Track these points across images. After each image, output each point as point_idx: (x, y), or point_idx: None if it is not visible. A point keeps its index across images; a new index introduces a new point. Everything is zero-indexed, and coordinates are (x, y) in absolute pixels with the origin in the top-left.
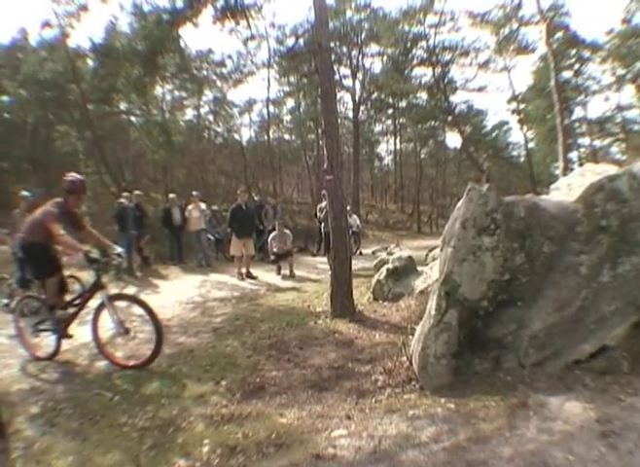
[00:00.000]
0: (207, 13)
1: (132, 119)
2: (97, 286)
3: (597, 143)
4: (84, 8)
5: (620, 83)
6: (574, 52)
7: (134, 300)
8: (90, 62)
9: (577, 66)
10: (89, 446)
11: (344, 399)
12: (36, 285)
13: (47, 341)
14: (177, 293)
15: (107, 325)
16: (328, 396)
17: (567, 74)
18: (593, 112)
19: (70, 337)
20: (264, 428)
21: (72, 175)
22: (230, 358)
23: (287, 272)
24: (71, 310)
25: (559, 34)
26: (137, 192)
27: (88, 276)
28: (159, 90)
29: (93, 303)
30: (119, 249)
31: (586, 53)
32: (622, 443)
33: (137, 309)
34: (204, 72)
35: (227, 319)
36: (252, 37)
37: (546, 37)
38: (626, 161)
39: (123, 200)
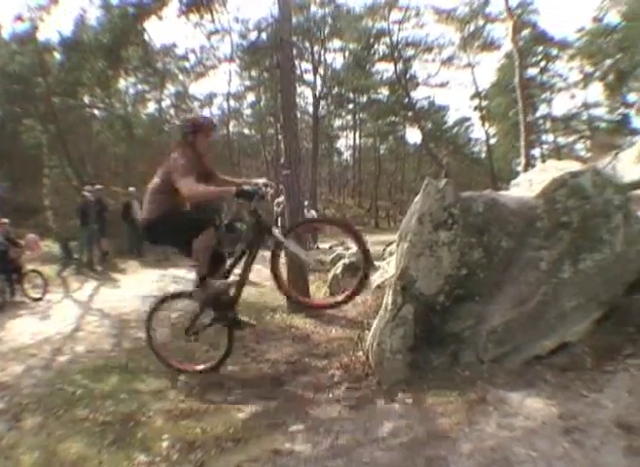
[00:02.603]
0: (172, 6)
1: (96, 112)
2: (262, 229)
3: (562, 140)
4: (54, 1)
5: (587, 80)
6: (540, 49)
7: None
8: (58, 56)
9: (543, 64)
10: (54, 441)
11: (300, 394)
12: None
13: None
14: (136, 287)
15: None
16: (283, 390)
17: (533, 71)
18: (559, 109)
19: (242, 326)
20: (222, 423)
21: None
22: (187, 353)
23: None
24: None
25: (526, 31)
26: (98, 186)
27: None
28: (122, 84)
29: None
30: (261, 180)
31: (554, 51)
32: (588, 439)
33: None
34: (167, 66)
35: (184, 314)
36: (216, 31)
37: (512, 34)
38: (591, 158)
39: (86, 194)
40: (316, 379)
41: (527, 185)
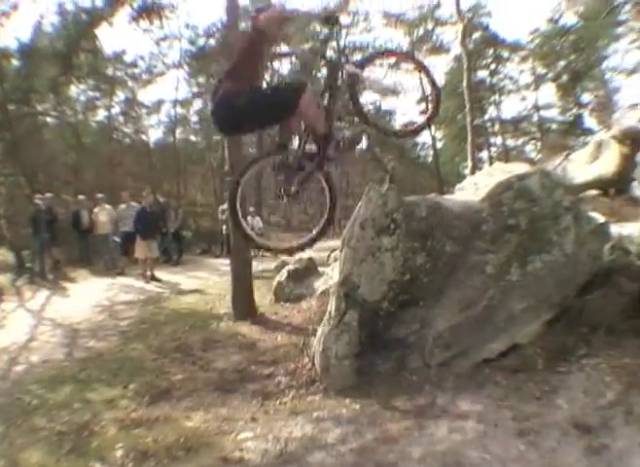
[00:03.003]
0: (124, 12)
1: (48, 119)
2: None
3: (511, 142)
4: (14, 7)
5: (539, 82)
6: (491, 51)
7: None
8: (15, 62)
9: (493, 66)
10: (16, 450)
11: (249, 401)
12: None
13: None
14: (86, 296)
15: None
16: (233, 398)
17: (483, 74)
18: (509, 111)
19: None
20: (172, 432)
21: None
22: (136, 362)
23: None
24: None
25: (477, 34)
26: (49, 194)
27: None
28: (73, 91)
29: None
30: None
31: (505, 53)
32: (543, 441)
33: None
34: (117, 72)
35: (133, 323)
36: (165, 37)
37: (461, 37)
38: (541, 159)
39: (38, 202)
40: (264, 387)
41: (473, 189)
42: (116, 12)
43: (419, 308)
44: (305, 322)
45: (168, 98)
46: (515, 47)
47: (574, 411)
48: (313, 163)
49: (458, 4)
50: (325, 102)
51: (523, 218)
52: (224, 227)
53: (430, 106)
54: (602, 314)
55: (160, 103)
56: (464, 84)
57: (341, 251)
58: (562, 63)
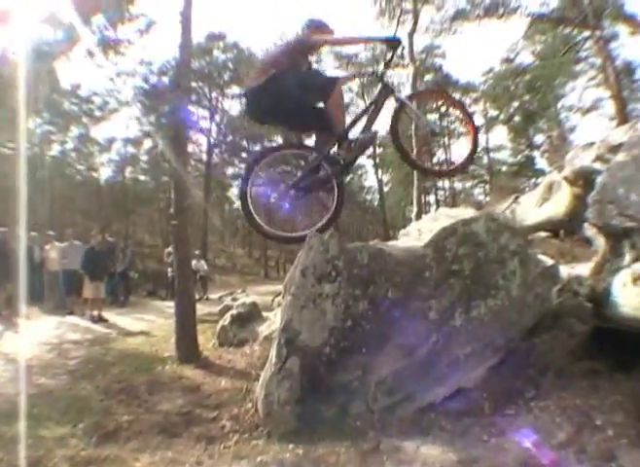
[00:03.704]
0: (81, 46)
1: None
2: (386, 90)
3: (459, 185)
4: None
5: (490, 124)
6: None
7: (438, 93)
8: None
9: (444, 109)
10: None
11: (194, 445)
12: None
13: None
14: (36, 333)
15: None
16: (178, 442)
17: (433, 117)
18: (458, 154)
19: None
20: None
21: None
22: (85, 401)
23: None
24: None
25: (430, 76)
26: (2, 228)
27: None
28: (30, 124)
29: None
30: None
31: (457, 95)
32: None
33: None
34: (73, 107)
35: (81, 362)
36: (119, 74)
37: (412, 79)
38: (489, 202)
39: None
40: (208, 430)
41: (417, 234)
42: (74, 45)
43: (361, 355)
44: (249, 367)
45: (120, 136)
46: (467, 88)
47: (524, 453)
48: (336, 167)
49: (411, 45)
50: (364, 114)
51: (468, 263)
52: (169, 269)
53: (468, 146)
54: (551, 356)
55: (111, 141)
56: (412, 127)
57: (283, 297)
58: (515, 104)
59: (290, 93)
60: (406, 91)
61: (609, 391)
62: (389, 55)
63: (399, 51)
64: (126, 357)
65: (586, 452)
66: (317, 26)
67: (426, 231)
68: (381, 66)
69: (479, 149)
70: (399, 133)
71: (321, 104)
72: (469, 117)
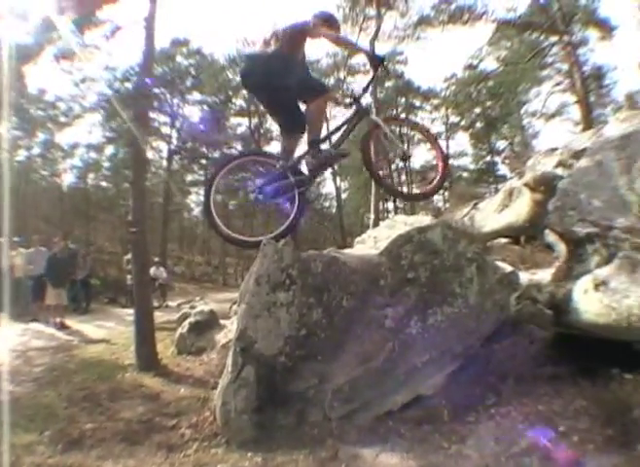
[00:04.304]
0: (49, 52)
1: None
2: (361, 111)
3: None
4: None
5: (451, 131)
6: (403, 100)
7: (409, 122)
8: None
9: (404, 115)
10: None
11: (155, 453)
12: None
13: None
14: (3, 340)
15: None
16: (139, 450)
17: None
18: (417, 160)
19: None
20: None
21: None
22: (50, 409)
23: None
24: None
25: (390, 83)
26: None
27: None
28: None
29: None
30: None
31: (418, 102)
32: None
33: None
34: (39, 112)
35: (46, 369)
36: (84, 80)
37: (373, 86)
38: (448, 208)
39: None
40: (168, 439)
41: (372, 241)
42: (42, 50)
43: (317, 363)
44: (207, 375)
45: (83, 142)
46: (428, 95)
47: (485, 459)
48: (301, 177)
49: (373, 52)
50: (337, 131)
51: (424, 271)
52: (128, 276)
53: (437, 175)
54: (511, 363)
55: (74, 147)
56: (382, 147)
57: (239, 306)
58: (477, 110)
59: (284, 79)
60: (366, 98)
61: (573, 397)
62: (370, 75)
63: (379, 70)
64: (89, 365)
65: (552, 459)
66: (325, 19)
67: (382, 238)
68: (360, 87)
69: (448, 178)
70: (370, 153)
71: (303, 106)
72: (438, 146)
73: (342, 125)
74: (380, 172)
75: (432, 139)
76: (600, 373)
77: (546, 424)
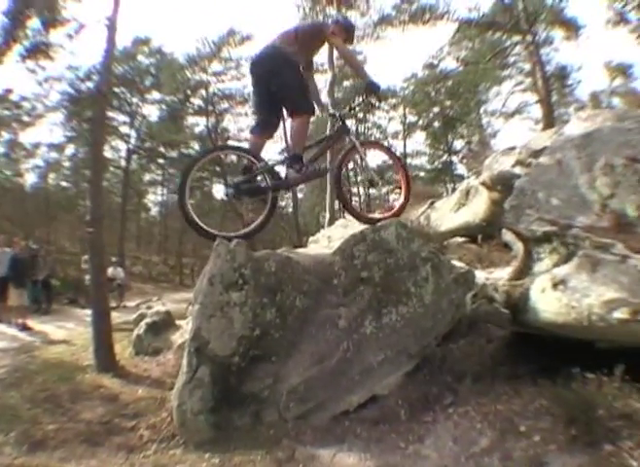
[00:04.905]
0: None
1: None
2: (343, 130)
3: (374, 191)
4: None
5: (409, 130)
6: (360, 99)
7: (383, 147)
8: None
9: (361, 114)
10: None
11: (115, 454)
12: None
13: None
14: None
15: None
16: (101, 451)
17: (350, 122)
18: (374, 160)
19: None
20: None
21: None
22: (13, 410)
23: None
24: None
25: (348, 83)
26: None
27: None
28: None
29: None
30: None
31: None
32: None
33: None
34: (5, 112)
35: (8, 371)
36: (47, 79)
37: (329, 86)
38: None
39: None
40: (128, 440)
41: (326, 241)
42: (8, 50)
43: (271, 363)
44: (164, 376)
45: (45, 142)
46: (386, 94)
47: (444, 459)
48: (277, 181)
49: (331, 52)
50: (317, 146)
51: (378, 270)
52: (86, 277)
53: (400, 200)
54: (468, 362)
55: (36, 146)
56: (327, 133)
57: (193, 306)
58: (436, 110)
59: (287, 83)
60: (323, 98)
61: (533, 396)
62: (360, 99)
63: (372, 98)
64: (50, 366)
65: (513, 459)
66: (346, 28)
67: (336, 238)
68: (347, 107)
69: (410, 200)
70: (342, 172)
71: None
72: (405, 170)
73: (321, 141)
74: (347, 194)
75: (401, 165)
76: (561, 372)
77: (505, 424)
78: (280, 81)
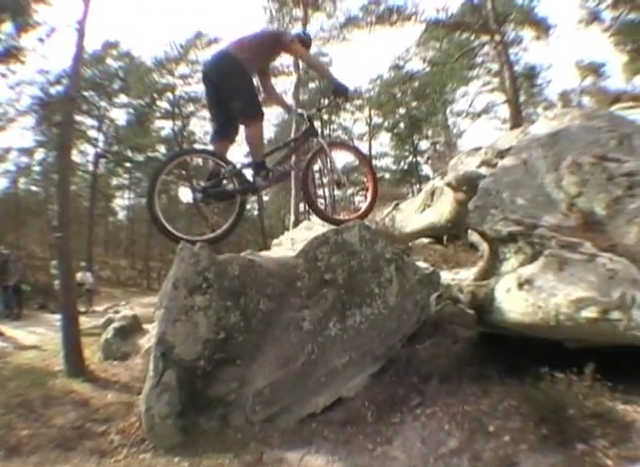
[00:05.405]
0: None
1: None
2: (312, 131)
3: (339, 193)
4: None
5: (374, 131)
6: (326, 101)
7: (350, 147)
8: None
9: (326, 116)
10: None
11: (88, 459)
12: None
13: None
14: None
15: None
16: (73, 456)
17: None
18: (339, 162)
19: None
20: None
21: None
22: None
23: None
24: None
25: (313, 84)
26: None
27: None
28: None
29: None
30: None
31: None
32: None
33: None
34: None
35: None
36: (18, 83)
37: (294, 88)
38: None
39: None
40: (99, 444)
41: (289, 244)
42: None
43: (236, 367)
44: (132, 380)
45: (15, 146)
46: (352, 95)
47: (413, 460)
48: (245, 185)
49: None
50: (284, 148)
51: (341, 272)
52: (56, 282)
53: (366, 201)
54: (435, 363)
55: (7, 150)
56: (292, 135)
57: (158, 310)
58: (402, 111)
59: (234, 89)
60: (288, 100)
61: (501, 396)
62: (327, 101)
63: (340, 99)
64: (22, 371)
65: (482, 459)
66: (302, 39)
67: (299, 240)
68: (314, 108)
69: (376, 202)
70: (309, 173)
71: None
72: (372, 171)
73: (289, 143)
74: (314, 195)
75: (368, 166)
76: (529, 371)
77: (474, 424)
78: (228, 86)
